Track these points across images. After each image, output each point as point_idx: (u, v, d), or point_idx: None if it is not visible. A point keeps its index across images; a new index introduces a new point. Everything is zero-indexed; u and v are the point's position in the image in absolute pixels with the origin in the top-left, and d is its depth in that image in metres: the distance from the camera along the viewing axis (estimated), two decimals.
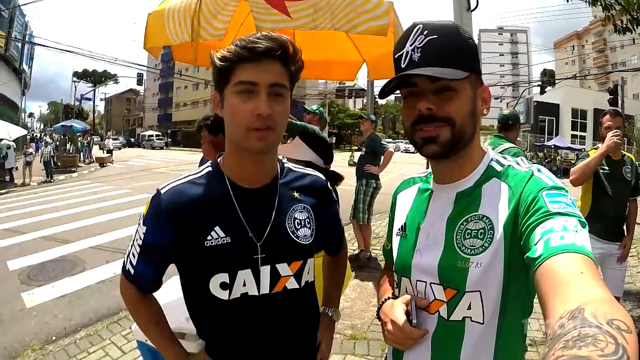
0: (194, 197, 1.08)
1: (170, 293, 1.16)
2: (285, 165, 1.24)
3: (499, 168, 0.97)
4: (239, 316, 1.09)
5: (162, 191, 1.09)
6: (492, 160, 1.00)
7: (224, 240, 1.06)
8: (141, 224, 1.10)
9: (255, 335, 1.11)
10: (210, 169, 1.15)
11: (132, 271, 1.12)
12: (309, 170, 1.29)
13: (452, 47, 0.92)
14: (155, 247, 1.08)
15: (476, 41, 0.98)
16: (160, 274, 1.15)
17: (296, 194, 1.19)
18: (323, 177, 1.30)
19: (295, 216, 1.16)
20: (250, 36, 1.01)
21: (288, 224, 1.14)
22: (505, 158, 1.00)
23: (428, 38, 0.92)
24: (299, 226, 1.16)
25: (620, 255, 3.19)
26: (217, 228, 1.06)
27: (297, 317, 1.17)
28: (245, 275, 1.07)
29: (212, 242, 1.06)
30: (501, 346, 0.93)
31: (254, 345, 1.12)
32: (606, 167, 3.14)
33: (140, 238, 1.09)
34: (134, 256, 1.11)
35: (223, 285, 1.07)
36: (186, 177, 1.13)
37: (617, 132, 3.00)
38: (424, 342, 0.98)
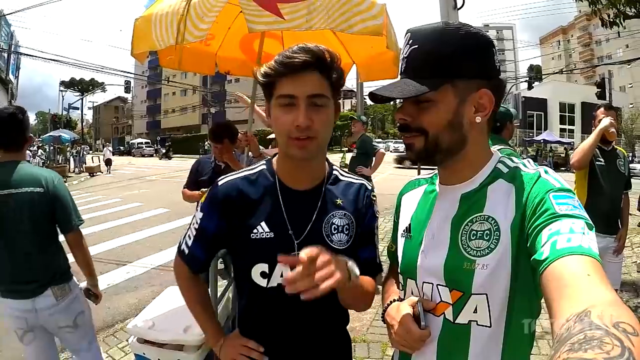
0: (246, 192, 1.20)
1: (167, 303, 1.15)
2: (334, 171, 1.29)
3: (505, 169, 0.96)
4: (275, 302, 1.18)
5: (220, 183, 1.23)
6: (498, 161, 0.99)
7: (267, 235, 1.17)
8: (199, 210, 1.24)
9: (287, 320, 1.20)
10: (264, 167, 1.26)
11: (186, 251, 1.25)
12: (355, 178, 1.32)
13: (431, 56, 0.91)
14: (208, 232, 1.22)
15: None
16: (211, 257, 1.31)
17: (339, 201, 1.24)
18: (370, 187, 1.32)
19: (333, 221, 1.21)
20: (287, 50, 1.07)
21: (324, 227, 1.20)
22: (511, 160, 0.98)
23: (411, 48, 0.93)
24: (335, 231, 1.21)
25: (616, 248, 3.22)
26: (262, 223, 1.18)
27: (327, 307, 1.20)
28: (283, 267, 1.12)
29: (257, 236, 1.17)
30: (509, 348, 0.92)
31: (286, 330, 1.21)
32: (601, 159, 3.15)
33: (197, 222, 1.23)
34: (189, 238, 1.25)
35: (263, 274, 1.17)
36: (242, 172, 1.26)
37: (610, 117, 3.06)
38: (430, 345, 0.98)
